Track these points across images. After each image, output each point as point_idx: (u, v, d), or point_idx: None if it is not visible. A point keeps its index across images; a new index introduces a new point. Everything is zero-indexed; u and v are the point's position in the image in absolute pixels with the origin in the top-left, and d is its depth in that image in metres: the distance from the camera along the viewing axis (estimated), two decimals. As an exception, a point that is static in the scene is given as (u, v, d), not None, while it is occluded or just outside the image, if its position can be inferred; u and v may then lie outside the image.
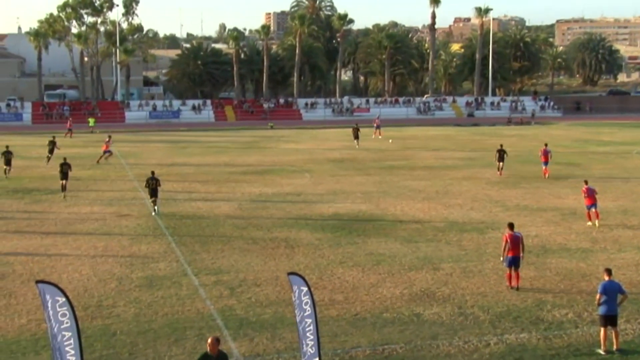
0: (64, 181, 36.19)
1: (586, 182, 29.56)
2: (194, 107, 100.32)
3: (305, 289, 13.55)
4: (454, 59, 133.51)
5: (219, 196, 35.71)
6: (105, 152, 49.48)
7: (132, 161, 49.89)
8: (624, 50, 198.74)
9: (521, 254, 20.30)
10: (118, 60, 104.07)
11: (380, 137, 67.65)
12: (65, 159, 38.39)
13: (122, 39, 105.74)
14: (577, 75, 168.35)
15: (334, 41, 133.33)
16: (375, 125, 71.07)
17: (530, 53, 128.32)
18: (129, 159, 51.33)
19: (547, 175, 41.37)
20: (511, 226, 20.64)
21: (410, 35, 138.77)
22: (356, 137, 60.64)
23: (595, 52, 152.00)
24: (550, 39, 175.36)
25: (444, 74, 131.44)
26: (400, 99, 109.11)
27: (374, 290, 20.23)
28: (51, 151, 48.92)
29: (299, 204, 33.44)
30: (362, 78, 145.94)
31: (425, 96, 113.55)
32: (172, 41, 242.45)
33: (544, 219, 29.69)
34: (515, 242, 20.21)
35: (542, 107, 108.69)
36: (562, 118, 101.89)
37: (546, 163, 41.98)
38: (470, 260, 23.35)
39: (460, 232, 27.44)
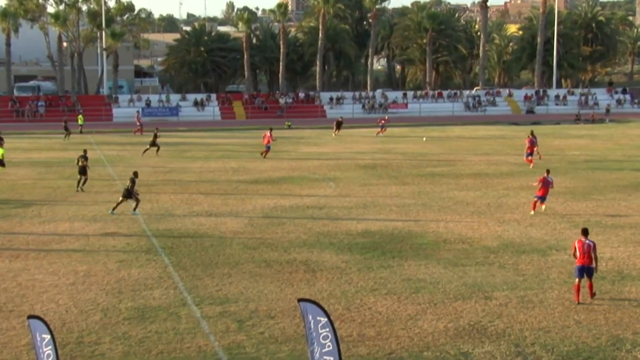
0: (80, 176, 40.74)
1: (547, 172, 34.94)
2: (196, 103, 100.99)
3: (323, 319, 13.58)
4: (510, 44, 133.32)
5: (226, 210, 35.87)
6: (267, 146, 55.98)
7: (121, 168, 50.24)
8: None
9: (594, 264, 21.63)
10: (104, 46, 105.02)
11: (382, 135, 73.07)
12: (85, 151, 42.40)
13: (108, 21, 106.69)
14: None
15: (364, 23, 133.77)
16: (380, 124, 75.05)
17: (605, 35, 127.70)
18: (118, 165, 51.72)
19: (531, 165, 48.22)
20: (584, 232, 22.11)
21: (457, 15, 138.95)
22: (338, 127, 74.94)
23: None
24: (630, 18, 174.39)
25: (498, 61, 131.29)
26: (445, 93, 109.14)
27: (413, 324, 20.21)
28: (153, 144, 57.24)
29: (322, 219, 33.50)
30: (398, 67, 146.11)
31: (475, 89, 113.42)
32: (169, 23, 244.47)
33: (620, 238, 29.49)
34: (586, 251, 21.44)
35: (619, 102, 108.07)
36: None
37: (531, 154, 49.45)
38: (529, 288, 23.25)
39: (517, 253, 27.34)
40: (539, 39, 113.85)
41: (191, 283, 23.92)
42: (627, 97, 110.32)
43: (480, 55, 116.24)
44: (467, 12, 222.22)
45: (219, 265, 25.98)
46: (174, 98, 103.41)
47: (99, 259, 26.90)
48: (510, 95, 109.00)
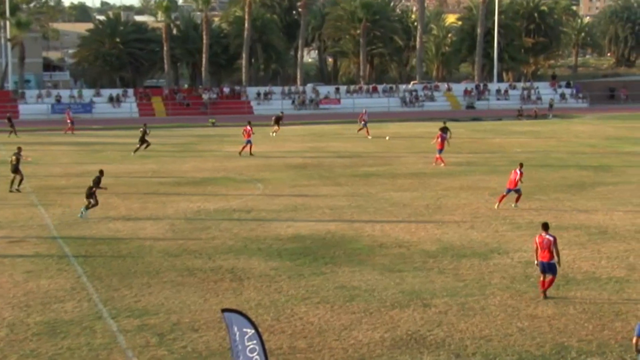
0: (14, 175, 41.52)
1: (521, 166, 37.08)
2: (111, 99, 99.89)
3: (250, 331, 13.59)
4: (449, 35, 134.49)
5: (145, 214, 35.58)
6: (248, 140, 56.47)
7: (29, 169, 49.41)
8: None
9: (555, 260, 22.73)
10: (8, 36, 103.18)
11: (369, 137, 67.98)
12: (19, 149, 42.61)
13: (13, 9, 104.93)
14: (609, 54, 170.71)
15: (293, 12, 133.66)
16: (362, 121, 71.27)
17: (548, 26, 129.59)
18: (25, 167, 50.83)
19: (443, 164, 49.42)
20: (544, 226, 23.13)
21: (392, 5, 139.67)
22: (277, 123, 71.63)
23: (632, 23, 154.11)
24: (574, 7, 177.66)
25: (436, 54, 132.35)
26: (380, 87, 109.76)
27: (347, 334, 20.29)
28: (143, 140, 58.04)
29: (249, 223, 33.44)
30: (330, 60, 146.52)
31: (412, 83, 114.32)
32: (81, 12, 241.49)
33: (565, 240, 29.93)
34: (545, 246, 22.70)
35: (563, 96, 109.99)
36: (589, 109, 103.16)
37: (440, 150, 50.09)
38: (470, 294, 23.52)
39: (457, 257, 27.63)
40: (479, 30, 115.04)
41: (107, 294, 23.66)
42: (571, 91, 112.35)
43: (417, 47, 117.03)
44: (403, 1, 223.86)
45: (138, 274, 25.76)
46: (87, 93, 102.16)
47: (4, 270, 26.45)
48: (449, 89, 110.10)
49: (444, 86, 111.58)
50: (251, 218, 34.54)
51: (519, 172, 36.26)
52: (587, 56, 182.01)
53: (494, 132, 73.67)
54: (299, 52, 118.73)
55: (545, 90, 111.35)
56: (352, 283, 24.64)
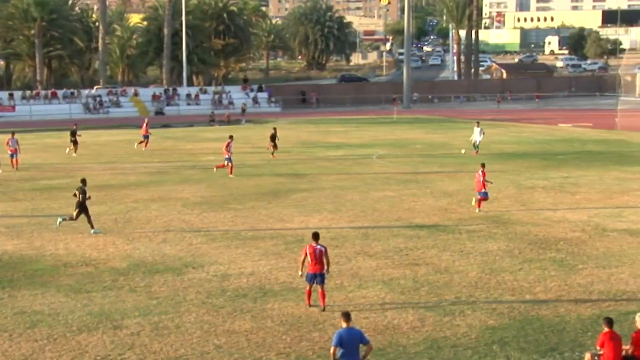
0: None
1: (483, 166, 37.90)
2: None
3: None
4: (134, 36, 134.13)
5: None
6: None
7: None
8: (358, 23, 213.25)
9: (324, 270, 23.41)
10: None
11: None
12: None
13: None
14: (300, 57, 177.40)
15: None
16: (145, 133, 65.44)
17: (238, 27, 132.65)
18: None
19: (232, 174, 49.20)
20: (315, 236, 23.75)
21: (71, 3, 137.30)
22: (74, 142, 62.50)
23: (322, 26, 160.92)
24: (263, 8, 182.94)
25: (121, 56, 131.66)
26: (60, 92, 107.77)
27: (29, 365, 19.76)
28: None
29: None
30: (2, 63, 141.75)
31: (96, 88, 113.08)
32: None
33: (261, 250, 30.70)
34: (318, 257, 23.23)
35: (256, 100, 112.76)
36: (282, 113, 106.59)
37: (229, 159, 49.61)
38: (164, 312, 23.55)
39: (149, 274, 27.57)
40: (165, 31, 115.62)
41: None
42: (263, 95, 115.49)
43: (100, 49, 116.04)
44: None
45: None
46: None
47: None
48: (136, 94, 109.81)
49: (130, 91, 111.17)
50: None
51: (480, 173, 37.21)
52: (279, 59, 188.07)
53: (185, 139, 74.21)
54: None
55: (237, 94, 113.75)
56: (33, 307, 23.97)
